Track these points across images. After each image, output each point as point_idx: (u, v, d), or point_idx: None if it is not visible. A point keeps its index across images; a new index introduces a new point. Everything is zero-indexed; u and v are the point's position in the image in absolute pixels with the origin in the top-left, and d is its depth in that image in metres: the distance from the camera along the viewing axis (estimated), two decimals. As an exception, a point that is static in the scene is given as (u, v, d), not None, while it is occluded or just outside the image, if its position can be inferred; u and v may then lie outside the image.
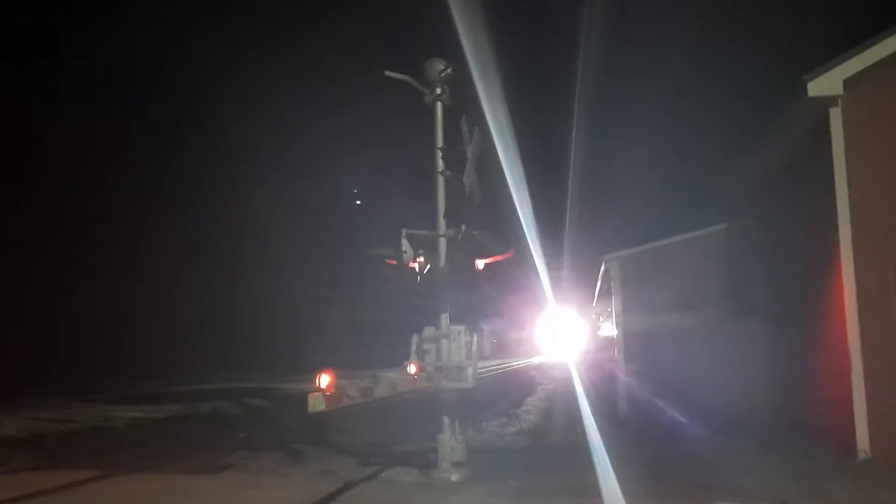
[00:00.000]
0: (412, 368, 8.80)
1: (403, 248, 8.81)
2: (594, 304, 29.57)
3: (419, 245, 9.08)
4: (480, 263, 9.39)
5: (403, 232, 8.93)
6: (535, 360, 39.04)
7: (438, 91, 9.19)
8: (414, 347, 8.95)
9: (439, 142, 9.20)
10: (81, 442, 12.81)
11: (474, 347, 9.10)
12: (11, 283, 24.19)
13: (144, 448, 12.26)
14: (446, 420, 9.03)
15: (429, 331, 9.02)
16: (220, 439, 12.98)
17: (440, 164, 9.17)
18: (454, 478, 8.79)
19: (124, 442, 13.09)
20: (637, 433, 12.24)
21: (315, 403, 7.20)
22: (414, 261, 8.97)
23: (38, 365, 22.89)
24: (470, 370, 8.97)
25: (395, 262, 8.96)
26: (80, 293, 26.97)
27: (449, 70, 9.03)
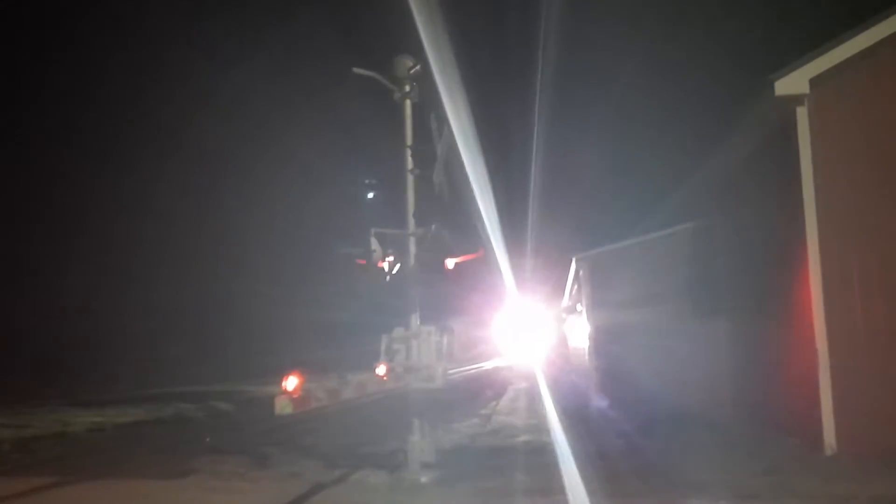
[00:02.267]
0: (381, 370, 8.70)
1: (373, 248, 8.70)
2: (563, 302, 29.70)
3: (388, 244, 8.98)
4: (451, 263, 9.31)
5: (372, 231, 8.82)
6: (501, 361, 39.01)
7: (407, 88, 9.10)
8: (384, 348, 8.86)
9: (409, 139, 9.10)
10: (41, 448, 12.48)
11: (444, 348, 9.04)
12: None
13: (106, 453, 11.98)
14: (416, 421, 8.94)
15: (399, 331, 8.92)
16: (184, 444, 12.74)
17: (410, 162, 9.08)
18: (423, 479, 8.71)
19: (85, 447, 12.77)
20: (605, 430, 12.27)
21: (282, 406, 7.10)
22: (383, 260, 8.87)
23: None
24: (440, 370, 8.90)
25: (363, 262, 8.86)
26: (37, 294, 26.38)
27: (418, 67, 8.94)
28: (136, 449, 12.46)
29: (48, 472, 9.74)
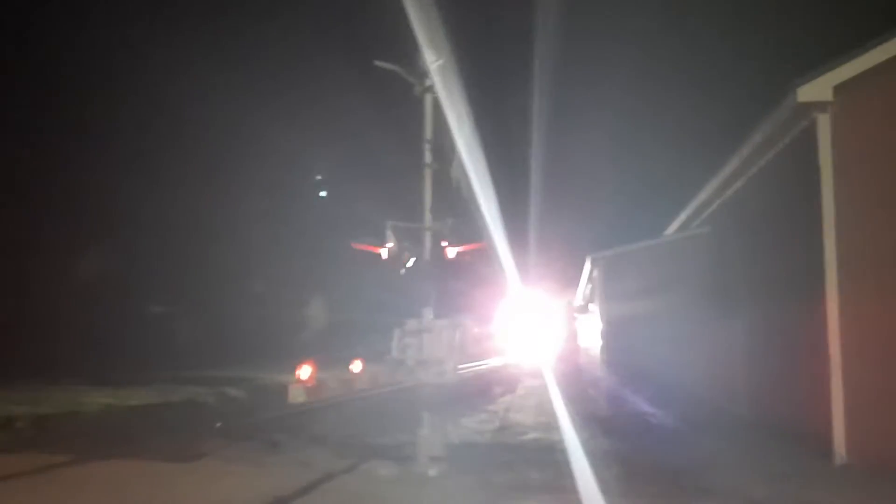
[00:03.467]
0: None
1: (389, 241, 8.75)
2: (575, 300, 29.69)
3: (404, 237, 9.03)
4: (452, 252, 9.34)
5: (389, 224, 8.87)
6: (510, 358, 38.86)
7: (428, 82, 9.12)
8: (395, 341, 8.91)
9: (428, 133, 9.13)
10: (54, 426, 12.63)
11: (456, 343, 9.07)
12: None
13: (118, 434, 12.11)
14: (426, 415, 8.98)
15: (412, 323, 8.97)
16: (195, 427, 12.84)
17: (428, 156, 9.11)
18: (432, 472, 8.76)
19: (98, 427, 12.90)
20: (615, 430, 12.27)
21: (295, 394, 7.16)
22: (399, 253, 8.92)
23: (6, 348, 22.49)
24: (451, 365, 8.94)
25: (377, 250, 8.92)
26: (49, 273, 26.49)
27: (440, 61, 8.96)
28: (148, 431, 12.57)
29: (61, 451, 9.86)
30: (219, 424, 13.31)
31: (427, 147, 9.18)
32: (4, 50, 26.85)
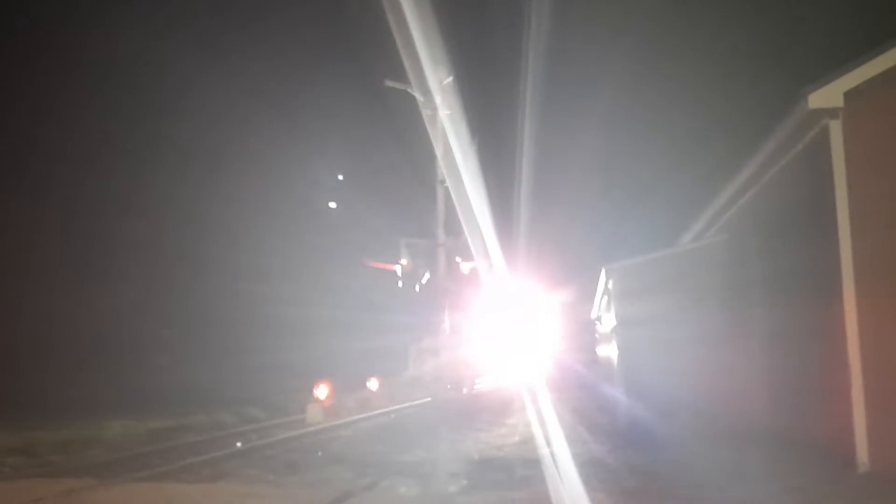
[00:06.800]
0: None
1: (402, 258, 8.81)
2: (590, 313, 29.60)
3: (418, 254, 9.09)
4: (466, 267, 9.41)
5: (403, 241, 8.93)
6: (526, 371, 38.57)
7: (438, 100, 9.20)
8: (412, 357, 8.94)
9: (439, 151, 9.19)
10: (76, 450, 12.73)
11: (471, 358, 9.11)
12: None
13: (139, 457, 12.18)
14: (444, 430, 9.00)
15: (427, 340, 9.01)
16: (215, 448, 12.89)
17: (440, 172, 9.17)
18: (452, 488, 8.75)
19: (119, 450, 12.99)
20: (635, 442, 12.20)
21: (313, 415, 7.19)
22: (413, 270, 8.97)
23: (26, 371, 22.67)
24: (467, 381, 8.96)
25: (391, 268, 8.98)
26: (63, 296, 26.67)
27: (450, 79, 9.04)
28: (168, 453, 12.63)
29: (83, 474, 9.94)
30: (239, 445, 13.37)
31: (440, 164, 9.25)
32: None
